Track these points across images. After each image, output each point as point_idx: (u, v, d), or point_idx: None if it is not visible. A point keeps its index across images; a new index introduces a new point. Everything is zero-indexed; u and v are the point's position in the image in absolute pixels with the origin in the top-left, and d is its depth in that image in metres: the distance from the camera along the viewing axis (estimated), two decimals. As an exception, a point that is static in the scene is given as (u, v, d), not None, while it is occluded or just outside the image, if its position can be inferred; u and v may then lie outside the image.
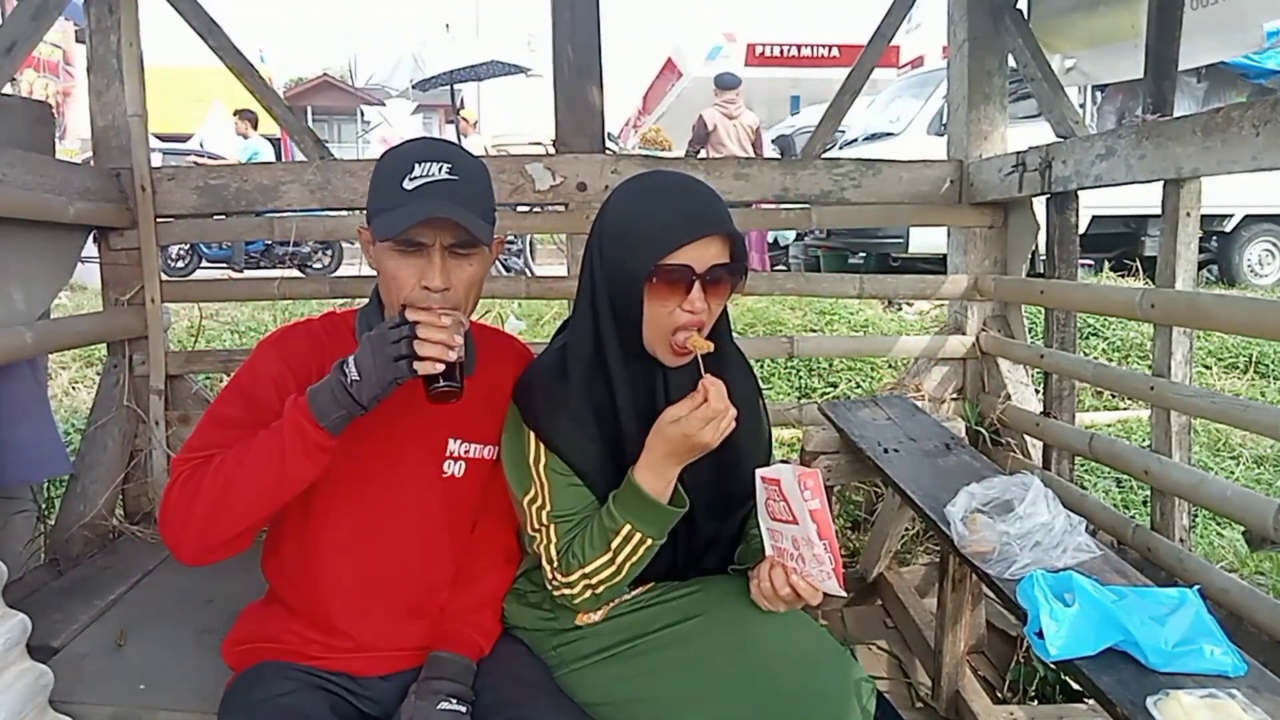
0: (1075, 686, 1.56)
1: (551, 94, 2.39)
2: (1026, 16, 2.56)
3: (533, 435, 1.14)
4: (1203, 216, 1.79)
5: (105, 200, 2.22)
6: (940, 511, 1.35)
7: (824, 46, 13.74)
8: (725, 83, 6.76)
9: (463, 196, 1.09)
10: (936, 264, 4.80)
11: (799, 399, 3.47)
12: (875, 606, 2.04)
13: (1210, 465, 3.05)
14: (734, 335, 1.24)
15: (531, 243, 7.04)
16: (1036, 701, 1.63)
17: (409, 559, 1.20)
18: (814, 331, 4.14)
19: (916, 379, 2.58)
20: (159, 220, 2.33)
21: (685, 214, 1.06)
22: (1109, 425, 3.32)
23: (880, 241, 6.26)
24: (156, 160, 2.36)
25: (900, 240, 6.00)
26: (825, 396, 3.50)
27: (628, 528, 1.07)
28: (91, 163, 2.42)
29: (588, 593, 1.11)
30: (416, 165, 1.09)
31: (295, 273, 7.22)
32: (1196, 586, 1.10)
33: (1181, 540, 1.82)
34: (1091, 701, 1.47)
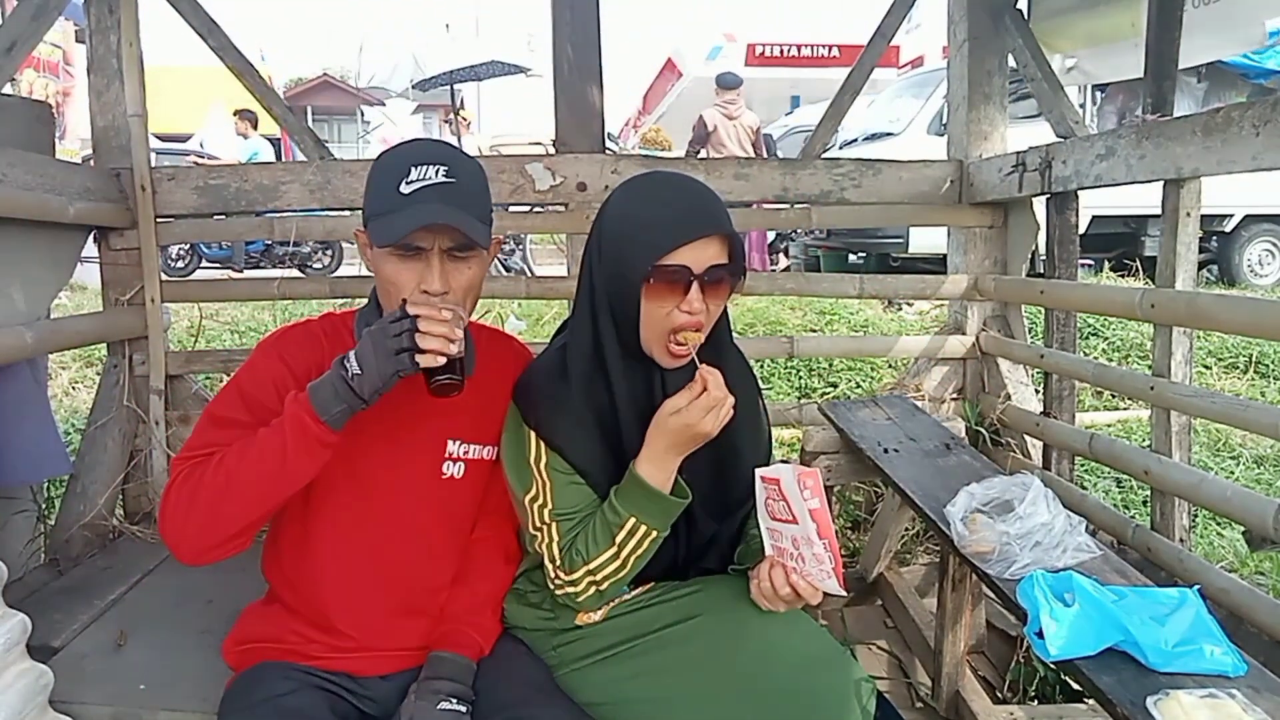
0: (1075, 686, 1.56)
1: (551, 94, 2.39)
2: (1026, 16, 2.56)
3: (533, 434, 1.14)
4: (1203, 216, 1.79)
5: (105, 200, 2.22)
6: (940, 511, 1.35)
7: (824, 46, 13.76)
8: (726, 82, 6.76)
9: (460, 199, 1.09)
10: (936, 264, 4.80)
11: (799, 399, 3.47)
12: (875, 606, 2.04)
13: (1210, 465, 3.05)
14: (734, 335, 1.25)
15: (527, 245, 7.03)
16: (1036, 701, 1.63)
17: (409, 559, 1.20)
18: (814, 331, 4.14)
19: (916, 379, 2.58)
20: (159, 220, 2.33)
21: (683, 215, 1.06)
22: (1109, 425, 3.32)
23: (880, 241, 6.26)
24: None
25: (900, 240, 6.00)
26: (825, 396, 3.50)
27: (632, 520, 1.08)
28: (91, 163, 2.42)
29: (592, 589, 1.11)
30: (413, 168, 1.09)
31: (295, 273, 7.22)
32: (1196, 586, 1.10)
33: (1181, 540, 1.82)
34: (1091, 701, 1.47)
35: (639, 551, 1.09)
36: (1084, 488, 2.51)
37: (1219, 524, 2.63)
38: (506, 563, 1.27)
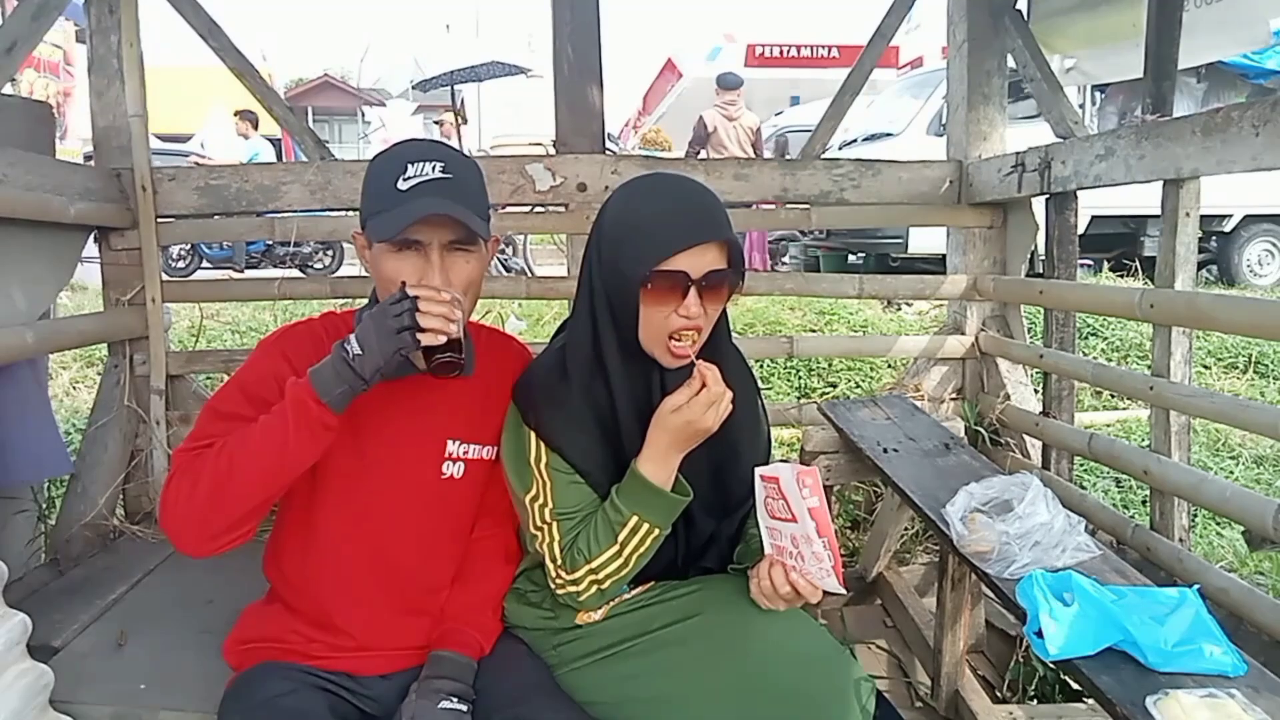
0: (1075, 686, 1.57)
1: (551, 94, 2.39)
2: (1026, 17, 2.56)
3: (533, 434, 1.14)
4: (1202, 216, 1.79)
5: (106, 200, 2.22)
6: (939, 511, 1.35)
7: (824, 47, 13.77)
8: (727, 83, 6.77)
9: (457, 194, 1.10)
10: (936, 264, 4.80)
11: (798, 399, 3.47)
12: (875, 606, 2.04)
13: (1210, 465, 3.05)
14: (733, 335, 1.25)
15: (527, 245, 7.03)
16: (1036, 701, 1.63)
17: (409, 559, 1.21)
18: (813, 331, 4.14)
19: (916, 379, 2.58)
20: (160, 220, 2.33)
21: (682, 219, 1.06)
22: (1108, 425, 3.33)
23: (879, 242, 6.26)
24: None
25: (899, 240, 6.00)
26: (825, 396, 3.50)
27: (635, 519, 1.08)
28: (92, 163, 2.42)
29: (593, 588, 1.11)
30: (410, 165, 1.10)
31: (296, 273, 7.23)
32: (1196, 586, 1.10)
33: (1181, 540, 1.82)
34: (1091, 701, 1.47)
35: (641, 549, 1.09)
36: (1083, 487, 2.52)
37: (1218, 524, 2.64)
38: (506, 562, 1.27)
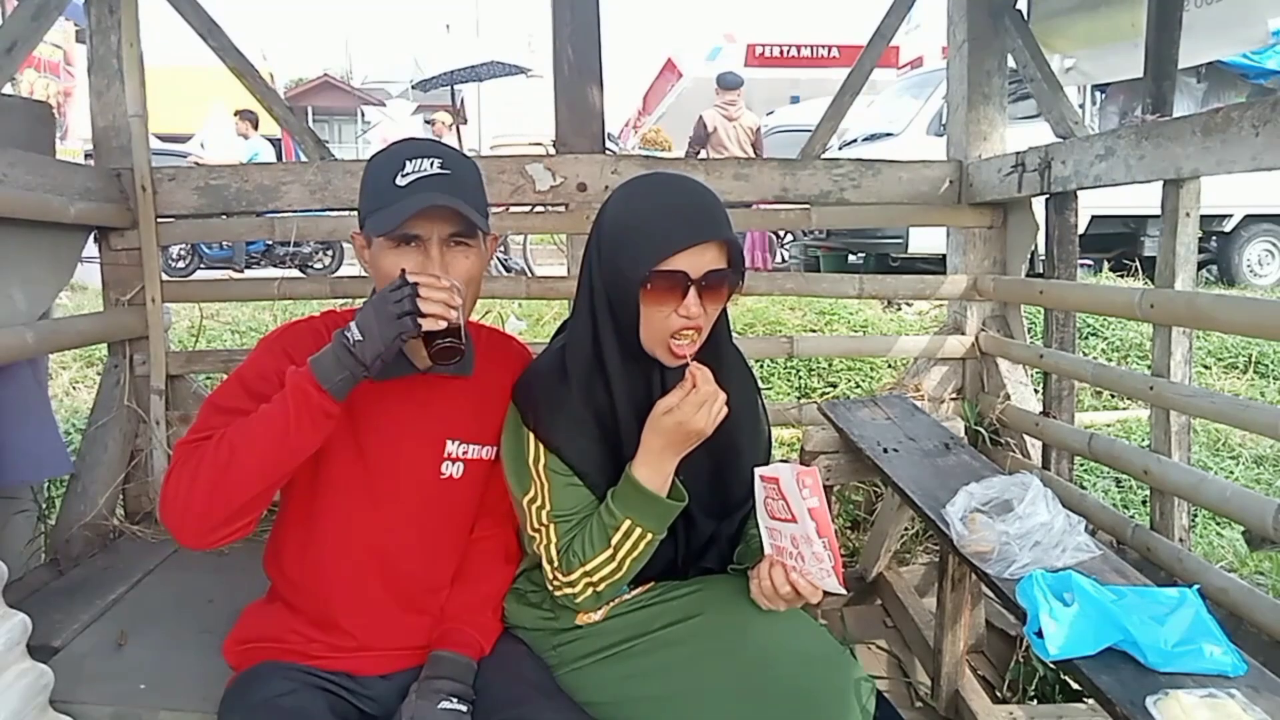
0: (1075, 686, 1.56)
1: (551, 94, 2.39)
2: (1026, 17, 2.56)
3: (532, 435, 1.14)
4: (1202, 216, 1.79)
5: (106, 200, 2.22)
6: (939, 511, 1.35)
7: (824, 46, 13.77)
8: (727, 82, 6.76)
9: (456, 189, 1.10)
10: (936, 264, 4.80)
11: (799, 399, 3.47)
12: (875, 606, 2.04)
13: (1210, 465, 3.05)
14: (734, 335, 1.25)
15: (526, 246, 7.04)
16: (1036, 701, 1.63)
17: (409, 559, 1.21)
18: (814, 331, 4.14)
19: (916, 379, 2.58)
20: (160, 220, 2.33)
21: (682, 219, 1.06)
22: (1108, 425, 3.33)
23: (880, 242, 6.26)
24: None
25: (900, 240, 6.00)
26: (825, 396, 3.50)
27: (628, 523, 1.08)
28: (92, 163, 2.42)
29: (589, 591, 1.11)
30: (408, 162, 1.11)
31: (296, 273, 7.23)
32: (1196, 586, 1.10)
33: (1181, 540, 1.82)
34: (1091, 701, 1.47)
35: (635, 554, 1.09)
36: (1083, 487, 2.51)
37: (1218, 524, 2.64)
38: (506, 562, 1.27)
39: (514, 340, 1.39)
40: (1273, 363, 3.94)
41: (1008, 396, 2.37)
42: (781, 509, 1.00)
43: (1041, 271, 2.36)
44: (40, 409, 2.03)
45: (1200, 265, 5.11)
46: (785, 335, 3.61)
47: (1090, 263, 6.21)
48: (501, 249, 6.94)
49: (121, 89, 2.27)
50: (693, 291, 1.05)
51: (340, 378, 1.03)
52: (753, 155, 6.48)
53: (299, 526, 1.20)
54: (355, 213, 1.21)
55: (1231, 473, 3.02)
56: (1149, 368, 1.88)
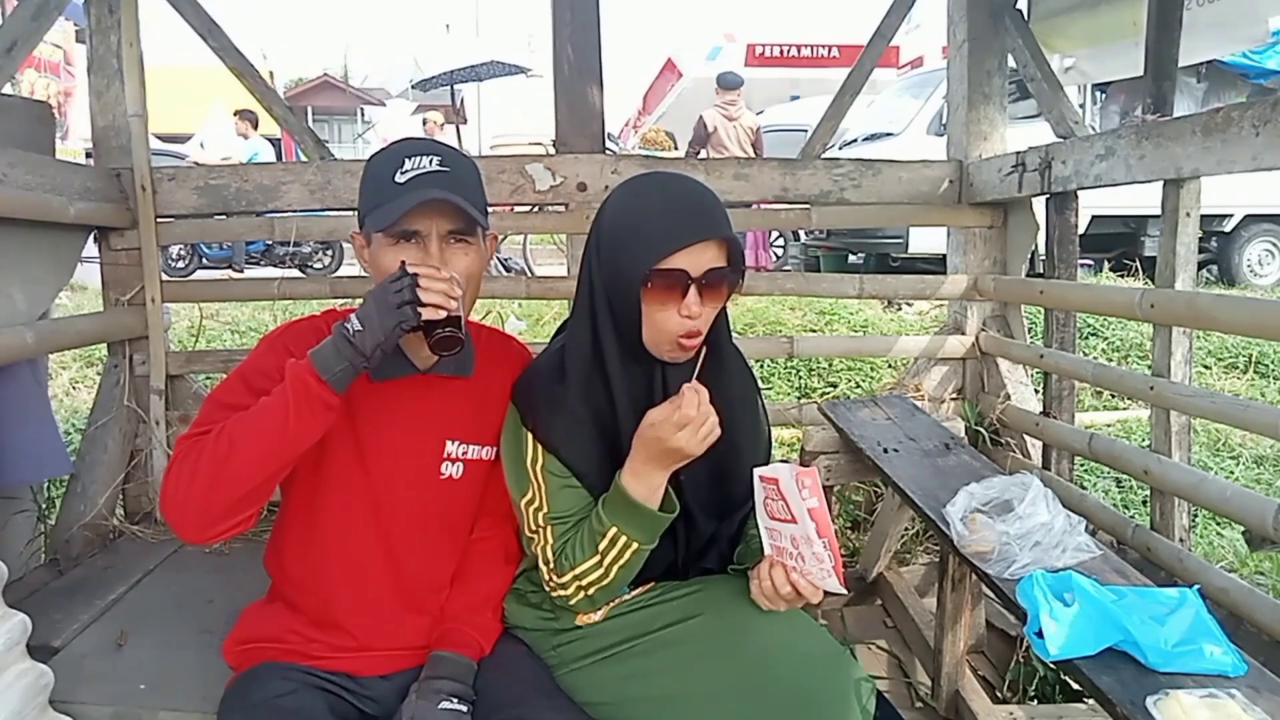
0: (1075, 686, 1.56)
1: (551, 94, 2.39)
2: (1026, 16, 2.56)
3: (530, 436, 1.14)
4: (1203, 216, 1.79)
5: (105, 200, 2.22)
6: (940, 511, 1.35)
7: (824, 46, 13.77)
8: (727, 82, 6.76)
9: (455, 186, 1.11)
10: (936, 264, 4.80)
11: (799, 399, 3.47)
12: (875, 606, 2.04)
13: (1210, 465, 3.05)
14: (734, 335, 1.24)
15: (526, 246, 7.04)
16: (1036, 701, 1.63)
17: (409, 559, 1.21)
18: (814, 331, 4.14)
19: (916, 379, 2.58)
20: (159, 220, 2.33)
21: (682, 218, 1.05)
22: (1109, 425, 3.33)
23: (880, 241, 6.26)
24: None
25: (900, 240, 6.00)
26: (825, 396, 3.50)
27: (614, 530, 1.07)
28: (92, 162, 2.42)
29: (580, 594, 1.11)
30: (407, 160, 1.11)
31: (296, 273, 7.22)
32: (1196, 586, 1.10)
33: (1181, 540, 1.82)
34: (1091, 701, 1.47)
35: (621, 561, 1.08)
36: (1084, 488, 2.51)
37: (1219, 524, 2.64)
38: (506, 563, 1.27)
39: (514, 340, 1.38)
40: (1273, 363, 3.94)
41: (1008, 396, 2.37)
42: (781, 509, 1.00)
43: (1042, 271, 2.36)
44: (40, 409, 2.03)
45: (1200, 265, 5.12)
46: (785, 335, 3.61)
47: (1090, 263, 6.21)
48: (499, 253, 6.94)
49: (121, 89, 2.27)
50: (693, 290, 1.05)
51: (340, 368, 1.03)
52: (753, 155, 6.47)
53: (300, 525, 1.20)
54: (355, 212, 1.21)
55: (1232, 473, 3.02)
56: (1149, 368, 1.88)
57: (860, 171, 2.46)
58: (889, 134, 6.53)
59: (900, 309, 4.68)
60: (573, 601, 1.13)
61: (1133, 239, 6.34)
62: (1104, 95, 6.26)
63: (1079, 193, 2.15)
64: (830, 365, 3.68)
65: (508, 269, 6.64)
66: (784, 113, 8.89)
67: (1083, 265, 3.95)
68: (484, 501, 1.27)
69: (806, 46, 13.91)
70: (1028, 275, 2.50)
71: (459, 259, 1.13)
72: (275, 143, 10.43)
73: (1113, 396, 3.62)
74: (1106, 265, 6.10)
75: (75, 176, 2.11)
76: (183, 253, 7.63)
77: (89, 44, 2.33)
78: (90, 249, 2.28)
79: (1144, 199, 3.71)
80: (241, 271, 7.56)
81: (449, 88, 9.26)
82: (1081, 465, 2.64)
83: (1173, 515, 1.82)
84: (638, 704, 1.09)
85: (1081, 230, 2.28)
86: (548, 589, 1.15)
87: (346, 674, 1.17)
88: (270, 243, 7.40)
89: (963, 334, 2.53)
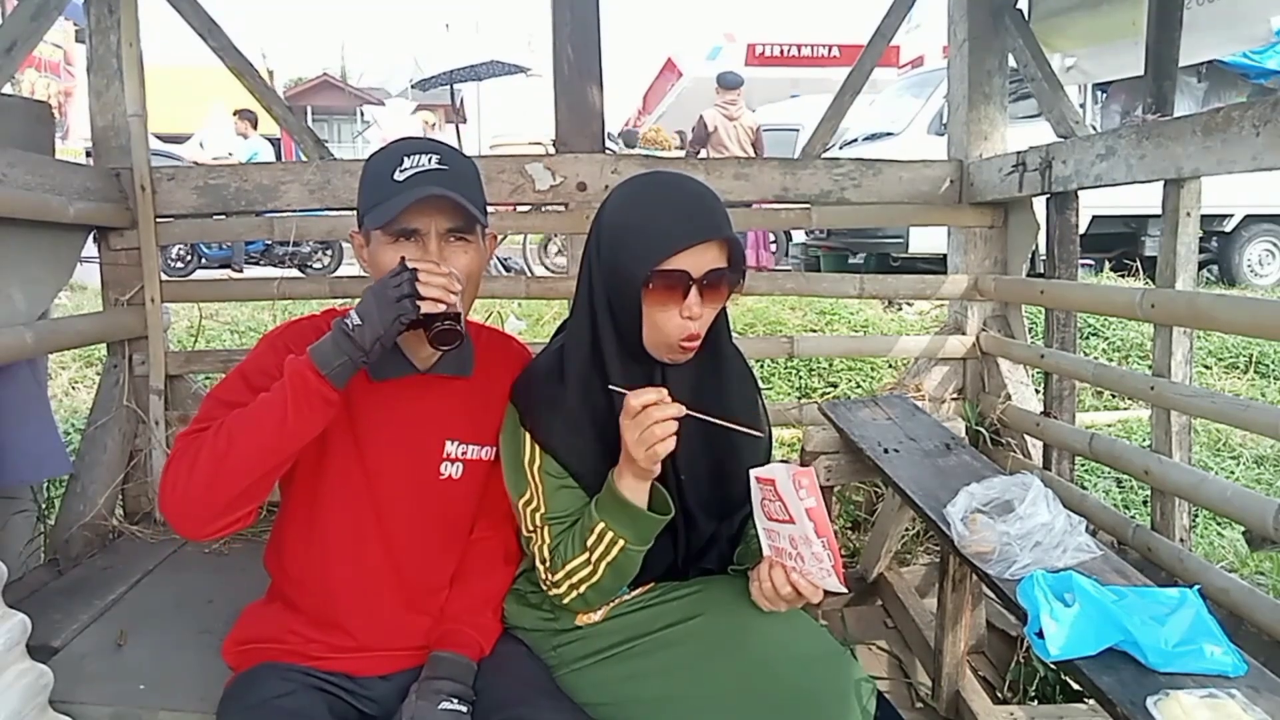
0: (1075, 686, 1.56)
1: (551, 94, 2.39)
2: (1027, 16, 2.56)
3: (528, 436, 1.14)
4: (1203, 216, 1.79)
5: (105, 200, 2.22)
6: (940, 511, 1.35)
7: (824, 46, 13.77)
8: (728, 82, 6.77)
9: (453, 184, 1.11)
10: (936, 264, 4.80)
11: (799, 399, 3.47)
12: (875, 606, 2.04)
13: (1210, 465, 3.05)
14: (734, 335, 1.24)
15: (526, 246, 7.04)
16: (1036, 701, 1.63)
17: (408, 559, 1.21)
18: (814, 331, 4.14)
19: (916, 379, 2.58)
20: (159, 220, 2.33)
21: (682, 219, 1.05)
22: (1109, 425, 3.32)
23: (880, 241, 6.26)
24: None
25: (900, 240, 6.00)
26: (825, 396, 3.50)
27: (601, 526, 1.07)
28: (91, 162, 2.42)
29: (573, 593, 1.11)
30: (406, 158, 1.12)
31: (295, 273, 7.22)
32: (1196, 586, 1.10)
33: (1181, 540, 1.82)
34: (1091, 701, 1.47)
35: (609, 559, 1.08)
36: (1084, 488, 2.51)
37: (1219, 524, 2.63)
38: (506, 563, 1.27)
39: (514, 340, 1.38)
40: (1273, 363, 3.94)
41: (1008, 396, 2.37)
42: (779, 510, 1.00)
43: (1042, 271, 2.35)
44: (40, 409, 2.02)
45: (1201, 265, 5.11)
46: (785, 335, 3.61)
47: (1091, 263, 6.21)
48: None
49: (121, 89, 2.27)
50: (694, 291, 1.05)
51: (339, 363, 1.03)
52: (753, 155, 6.47)
53: (300, 525, 1.20)
54: (354, 212, 1.21)
55: (1232, 473, 3.01)
56: (1149, 368, 1.88)
57: (860, 171, 2.46)
58: (889, 134, 6.53)
59: (900, 309, 4.68)
60: (567, 600, 1.13)
61: (1133, 239, 6.33)
62: (1104, 95, 6.26)
63: (1079, 192, 2.15)
64: (830, 365, 3.68)
65: (508, 269, 6.64)
66: (776, 112, 8.88)
67: (1083, 265, 3.95)
68: (484, 502, 1.27)
69: (806, 46, 13.91)
70: (1028, 275, 2.50)
71: (458, 257, 1.13)
72: (275, 142, 10.43)
73: (1113, 396, 3.62)
74: (1107, 265, 6.09)
75: (75, 176, 2.11)
76: (183, 253, 7.63)
77: (89, 44, 2.32)
78: (90, 249, 2.28)
79: (1144, 199, 3.72)
80: (241, 271, 7.56)
81: (449, 87, 9.27)
82: (1082, 465, 2.64)
83: (1173, 515, 1.82)
84: (638, 704, 1.09)
85: (1082, 230, 2.28)
86: (544, 588, 1.15)
87: (346, 674, 1.17)
88: (270, 243, 7.40)
89: (963, 334, 2.53)
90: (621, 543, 1.07)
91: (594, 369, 1.13)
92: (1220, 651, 0.97)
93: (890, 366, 3.60)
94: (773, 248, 7.73)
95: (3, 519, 2.05)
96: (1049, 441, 2.22)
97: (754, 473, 1.02)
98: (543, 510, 1.13)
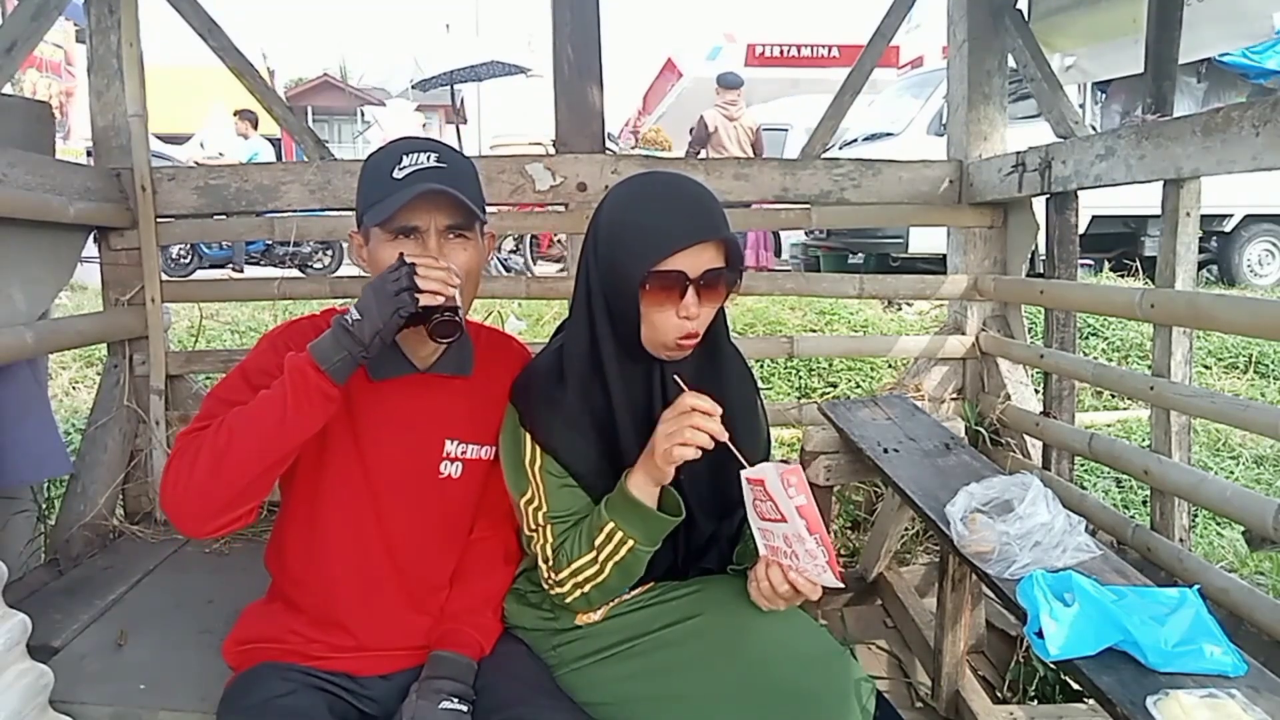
0: (1075, 686, 1.56)
1: (551, 94, 2.39)
2: (1026, 16, 2.56)
3: (529, 436, 1.14)
4: (1203, 216, 1.79)
5: (105, 200, 2.22)
6: (940, 511, 1.35)
7: (824, 46, 13.76)
8: (728, 82, 6.77)
9: (452, 181, 1.11)
10: (936, 264, 4.80)
11: (799, 399, 3.47)
12: (875, 606, 2.04)
13: (1210, 465, 3.05)
14: (733, 335, 1.24)
15: (526, 246, 7.04)
16: (1036, 701, 1.63)
17: (408, 558, 1.21)
18: (814, 331, 4.14)
19: (916, 379, 2.58)
20: (159, 220, 2.33)
21: (680, 219, 1.05)
22: (1109, 425, 3.32)
23: (880, 241, 6.26)
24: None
25: (900, 240, 6.00)
26: (825, 396, 3.50)
27: (611, 525, 1.07)
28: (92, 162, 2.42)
29: (577, 592, 1.11)
30: (405, 156, 1.12)
31: (295, 273, 7.22)
32: (1196, 586, 1.10)
33: (1181, 540, 1.82)
34: (1091, 701, 1.47)
35: (617, 559, 1.08)
36: (1084, 488, 2.51)
37: (1219, 524, 2.64)
38: (506, 563, 1.27)
39: (514, 340, 1.39)
40: (1273, 363, 3.94)
41: (1008, 396, 2.37)
42: (770, 509, 1.00)
43: (1042, 271, 2.35)
44: (40, 409, 2.02)
45: (1200, 265, 5.12)
46: (785, 335, 3.61)
47: (1090, 263, 6.21)
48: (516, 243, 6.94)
49: (121, 89, 2.27)
50: (691, 291, 1.05)
51: (339, 358, 1.03)
52: (753, 155, 6.47)
53: (301, 524, 1.20)
54: (355, 212, 1.21)
55: (1232, 473, 3.01)
56: (1149, 368, 1.88)
57: (860, 171, 2.46)
58: (889, 134, 6.53)
59: (900, 309, 4.68)
60: (569, 600, 1.13)
61: (1133, 239, 6.33)
62: (1104, 95, 6.26)
63: (1079, 193, 2.15)
64: (830, 365, 3.68)
65: (508, 269, 6.64)
66: (765, 111, 8.87)
67: (1083, 265, 3.95)
68: (483, 501, 1.27)
69: (806, 46, 13.90)
70: (1028, 275, 2.50)
71: (457, 254, 1.13)
72: (275, 143, 10.44)
73: (1113, 396, 3.62)
74: (1106, 265, 6.09)
75: (75, 176, 2.11)
76: (183, 252, 7.64)
77: (89, 44, 2.33)
78: (90, 249, 2.28)
79: (1144, 199, 3.72)
80: (241, 271, 7.56)
81: (449, 88, 9.27)
82: (1081, 465, 2.64)
83: (1173, 515, 1.82)
84: (637, 704, 1.09)
85: (1081, 230, 2.28)
86: (546, 587, 1.15)
87: (346, 674, 1.17)
88: (270, 243, 7.40)
89: (963, 334, 2.53)
90: (631, 543, 1.07)
91: (593, 369, 1.13)
92: (1220, 651, 0.97)
93: (890, 366, 3.60)
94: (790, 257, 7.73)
95: (3, 519, 2.05)
96: (1049, 441, 2.22)
97: (744, 474, 1.02)
98: (545, 509, 1.13)
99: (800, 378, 3.67)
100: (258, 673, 1.14)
